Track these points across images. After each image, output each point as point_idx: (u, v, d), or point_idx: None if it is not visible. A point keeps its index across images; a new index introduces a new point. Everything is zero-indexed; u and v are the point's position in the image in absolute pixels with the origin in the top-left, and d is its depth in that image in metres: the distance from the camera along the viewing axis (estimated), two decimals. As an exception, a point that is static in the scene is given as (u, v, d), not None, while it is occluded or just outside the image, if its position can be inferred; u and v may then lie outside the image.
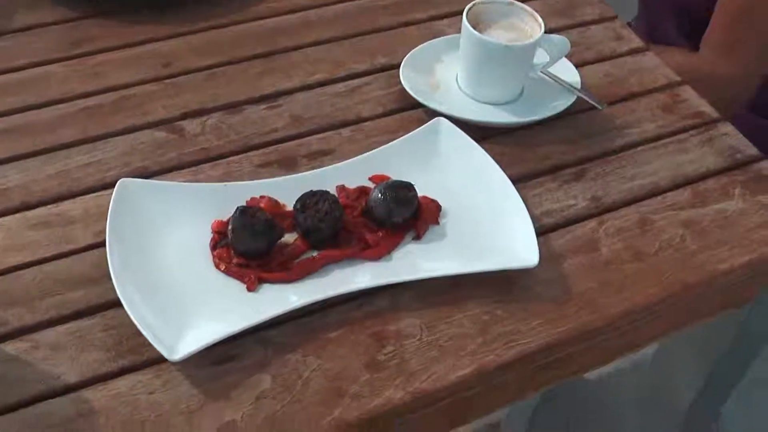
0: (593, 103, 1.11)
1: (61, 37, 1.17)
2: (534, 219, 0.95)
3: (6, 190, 0.99)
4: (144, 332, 0.82)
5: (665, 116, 1.14)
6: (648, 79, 1.20)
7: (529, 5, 1.12)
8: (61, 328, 0.86)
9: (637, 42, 1.27)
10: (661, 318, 0.95)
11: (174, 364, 0.82)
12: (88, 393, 0.81)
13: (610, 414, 1.79)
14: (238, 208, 0.90)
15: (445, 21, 1.24)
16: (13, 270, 0.91)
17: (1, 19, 1.19)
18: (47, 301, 0.88)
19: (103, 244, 0.89)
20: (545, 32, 1.08)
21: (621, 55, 1.24)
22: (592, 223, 0.99)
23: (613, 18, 1.31)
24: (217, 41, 1.19)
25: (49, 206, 0.97)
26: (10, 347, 0.84)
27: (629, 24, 1.67)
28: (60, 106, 1.09)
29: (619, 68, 1.22)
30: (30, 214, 0.96)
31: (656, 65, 1.22)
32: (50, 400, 0.80)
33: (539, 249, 0.90)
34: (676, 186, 1.04)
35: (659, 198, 1.03)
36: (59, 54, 1.15)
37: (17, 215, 0.96)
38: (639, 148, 1.09)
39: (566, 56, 1.14)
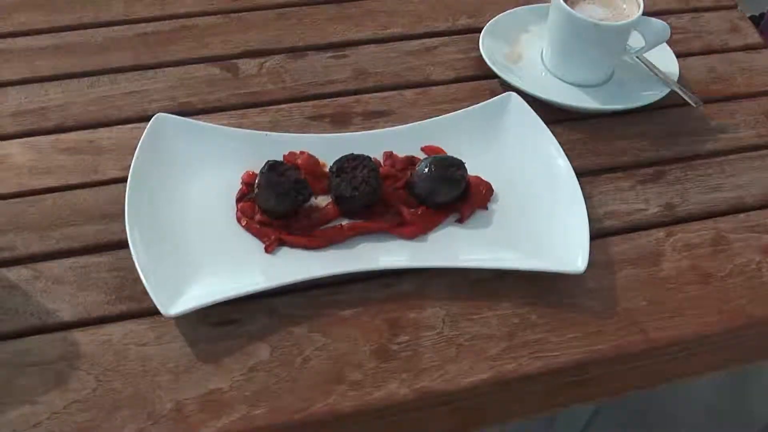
0: (687, 98, 1.00)
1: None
2: (595, 219, 0.86)
3: (44, 109, 0.94)
4: (143, 279, 0.76)
5: (768, 125, 1.02)
6: (758, 81, 1.08)
7: None
8: (66, 262, 0.81)
9: (754, 37, 1.15)
10: (721, 350, 0.85)
11: (169, 319, 0.76)
12: (77, 334, 0.76)
13: (676, 425, 1.68)
14: (267, 162, 0.83)
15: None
16: (33, 193, 0.87)
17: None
18: (60, 231, 0.83)
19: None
20: (651, 13, 0.97)
21: (732, 50, 1.12)
22: (659, 233, 0.89)
23: (733, 7, 1.19)
24: (290, -24, 1.12)
25: (83, 131, 0.93)
26: (13, 273, 0.80)
27: (756, 18, 1.54)
28: (116, 28, 1.04)
29: (727, 64, 1.10)
30: (63, 137, 0.92)
31: (770, 67, 1.10)
32: (38, 336, 0.76)
33: (593, 253, 0.81)
34: (764, 206, 0.93)
35: (742, 216, 0.92)
36: (126, -27, 1.10)
37: (50, 136, 0.92)
38: (730, 156, 0.98)
39: (668, 43, 1.04)
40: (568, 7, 0.97)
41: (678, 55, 1.06)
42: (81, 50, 1.01)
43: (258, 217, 0.83)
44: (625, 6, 1.00)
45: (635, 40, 1.01)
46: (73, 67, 0.99)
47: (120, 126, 0.93)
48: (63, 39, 1.02)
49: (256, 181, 0.83)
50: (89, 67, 0.99)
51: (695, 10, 1.17)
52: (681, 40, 1.11)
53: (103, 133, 0.92)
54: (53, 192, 0.87)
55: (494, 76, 1.01)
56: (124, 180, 0.85)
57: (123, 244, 0.80)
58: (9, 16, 1.04)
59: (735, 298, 0.83)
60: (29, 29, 1.03)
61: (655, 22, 1.00)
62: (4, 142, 0.91)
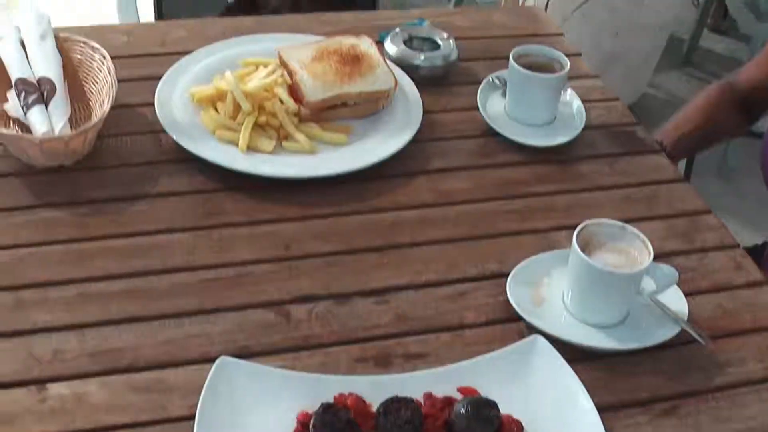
0: (697, 337, 1.10)
1: (194, 207, 1.25)
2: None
3: (117, 350, 1.05)
4: None
5: (774, 359, 1.12)
6: (762, 316, 1.18)
7: (652, 224, 1.13)
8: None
9: (756, 274, 1.25)
10: None
11: None
12: None
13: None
14: (322, 404, 0.93)
15: (563, 233, 1.26)
16: (108, 429, 0.96)
17: (146, 183, 1.28)
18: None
19: (194, 417, 0.94)
20: (662, 254, 1.09)
21: (737, 287, 1.23)
22: (678, 466, 0.97)
23: (735, 246, 1.30)
24: (336, 229, 1.24)
25: (153, 371, 1.03)
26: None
27: (759, 247, 1.65)
28: (181, 274, 1.15)
29: (733, 301, 1.20)
30: (136, 377, 1.02)
31: (773, 303, 1.21)
32: None
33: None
34: (773, 438, 1.02)
35: (752, 448, 1.00)
36: (190, 223, 1.22)
37: (123, 376, 1.02)
38: (740, 389, 1.07)
39: (677, 283, 1.14)
40: (585, 257, 1.09)
41: (687, 294, 1.16)
42: (150, 295, 1.12)
43: (313, 455, 0.92)
44: (636, 253, 1.12)
45: (648, 283, 1.12)
46: (143, 311, 1.10)
47: (185, 367, 1.03)
48: (133, 284, 1.14)
49: (311, 421, 0.93)
50: (158, 311, 1.10)
51: (701, 250, 1.28)
52: (689, 279, 1.21)
53: (170, 372, 1.03)
54: (126, 428, 0.97)
55: (521, 318, 1.12)
56: (190, 418, 0.95)
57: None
58: (88, 261, 1.16)
59: None
60: (104, 275, 1.14)
61: (665, 268, 1.12)
62: (82, 381, 1.01)
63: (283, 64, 1.40)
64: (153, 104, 1.37)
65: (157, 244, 1.19)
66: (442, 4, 3.43)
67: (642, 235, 1.12)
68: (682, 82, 3.44)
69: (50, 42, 1.37)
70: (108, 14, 1.98)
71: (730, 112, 1.63)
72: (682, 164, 1.73)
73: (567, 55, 1.45)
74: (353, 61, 1.40)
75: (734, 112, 1.63)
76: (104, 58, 1.36)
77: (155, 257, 1.17)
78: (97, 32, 1.53)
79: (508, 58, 1.42)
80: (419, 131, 1.39)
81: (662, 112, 3.18)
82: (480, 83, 1.49)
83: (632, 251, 1.12)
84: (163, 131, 1.33)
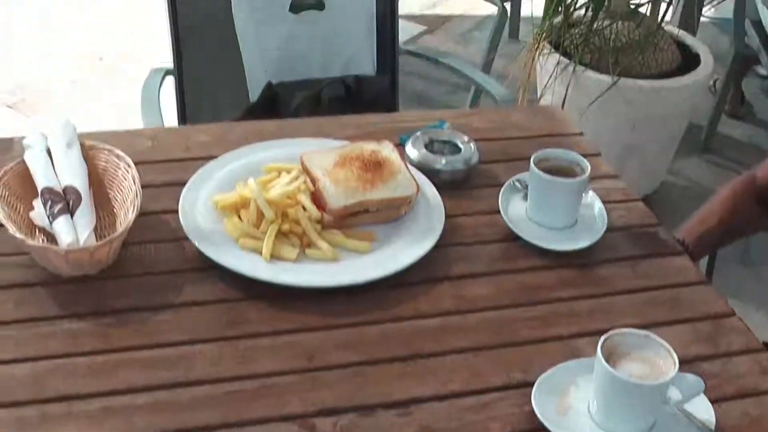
0: (726, 451, 1.09)
1: (218, 316, 1.26)
2: None
3: (142, 464, 1.05)
4: None
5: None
6: (791, 422, 1.17)
7: (675, 329, 1.15)
8: None
9: (784, 379, 1.24)
10: None
11: None
12: None
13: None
14: None
15: (586, 339, 1.25)
16: None
17: (169, 292, 1.28)
18: None
19: None
20: (686, 359, 1.09)
21: (764, 393, 1.22)
22: None
23: (760, 350, 1.29)
24: (359, 338, 1.24)
25: (177, 489, 1.03)
26: None
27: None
28: (205, 387, 1.15)
29: (759, 407, 1.19)
30: (159, 495, 1.02)
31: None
32: None
33: None
34: None
35: None
36: (213, 334, 1.23)
37: (148, 494, 1.02)
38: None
39: (703, 391, 1.14)
40: (610, 368, 1.08)
41: (713, 401, 1.15)
42: (173, 408, 1.12)
43: None
44: (661, 362, 1.11)
45: (674, 393, 1.11)
46: (167, 424, 1.10)
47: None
48: (157, 397, 1.13)
49: None
50: (181, 424, 1.10)
51: (726, 354, 1.27)
52: (715, 385, 1.19)
53: (195, 489, 1.03)
54: None
55: (547, 429, 1.11)
56: None
57: None
58: (112, 373, 1.16)
59: None
60: (128, 387, 1.14)
61: (691, 378, 1.12)
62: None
63: (306, 171, 1.42)
64: (177, 211, 1.38)
65: (181, 355, 1.19)
66: (461, 101, 3.46)
67: (666, 344, 1.12)
68: (701, 168, 3.44)
69: (76, 150, 1.40)
70: (132, 121, 2.01)
71: (753, 206, 1.63)
72: (703, 261, 1.73)
73: (586, 156, 1.46)
74: (375, 167, 1.42)
75: (757, 206, 1.63)
76: (129, 166, 1.38)
77: (179, 368, 1.17)
78: (122, 137, 1.56)
79: (527, 159, 1.44)
80: (441, 236, 1.40)
81: (682, 199, 3.19)
82: (500, 185, 1.51)
83: (657, 360, 1.12)
84: (187, 239, 1.34)
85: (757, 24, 3.27)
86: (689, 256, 1.46)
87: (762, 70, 3.81)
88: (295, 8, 2.15)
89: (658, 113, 2.96)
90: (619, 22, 2.96)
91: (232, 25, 2.12)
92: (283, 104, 2.05)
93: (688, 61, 3.08)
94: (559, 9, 2.95)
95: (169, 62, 2.14)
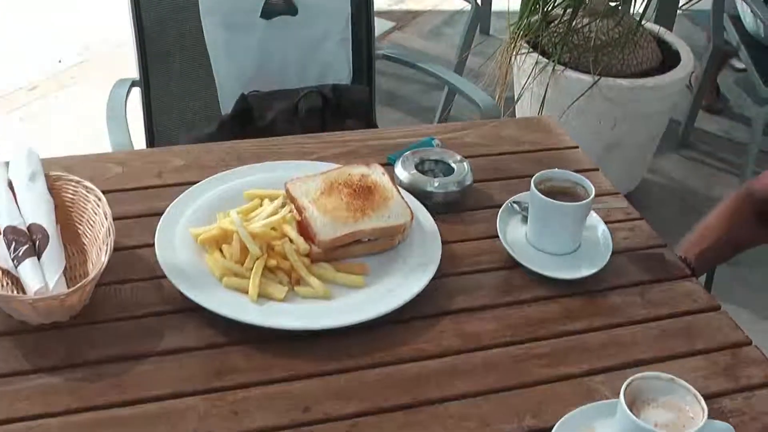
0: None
1: (204, 365, 1.15)
2: None
3: None
4: None
5: None
6: (818, 463, 1.10)
7: (692, 362, 1.13)
8: None
9: (808, 416, 1.17)
10: None
11: None
12: None
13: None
14: None
15: (601, 377, 1.17)
16: None
17: (149, 339, 1.18)
18: None
19: None
20: (706, 396, 1.02)
21: (789, 427, 1.15)
22: None
23: (782, 382, 1.22)
24: (358, 384, 1.15)
25: None
26: None
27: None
28: (193, 446, 1.06)
29: (786, 446, 1.12)
30: None
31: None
32: None
33: None
34: None
35: None
36: (200, 385, 1.12)
37: None
38: None
39: (731, 433, 1.06)
40: (633, 416, 1.00)
41: (740, 443, 1.08)
42: (160, 471, 1.03)
43: None
44: (688, 408, 1.03)
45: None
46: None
47: None
48: (141, 459, 1.04)
49: None
50: (168, 493, 1.00)
51: (747, 388, 1.20)
52: (739, 424, 1.12)
53: None
54: None
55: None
56: None
57: None
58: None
59: None
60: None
61: (720, 425, 1.03)
62: None
63: (291, 199, 1.32)
64: (153, 245, 1.28)
65: (164, 411, 1.09)
66: (435, 99, 3.36)
67: (693, 389, 1.04)
68: (680, 164, 3.39)
69: (41, 183, 1.30)
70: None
71: (752, 220, 1.58)
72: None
73: (584, 171, 1.39)
74: (365, 194, 1.32)
75: (754, 220, 1.57)
76: (99, 200, 1.27)
77: (163, 427, 1.07)
78: (90, 163, 1.47)
79: (523, 177, 1.36)
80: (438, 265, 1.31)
81: (662, 196, 3.12)
82: (496, 206, 1.42)
83: (684, 406, 1.04)
84: (165, 277, 1.24)
85: (736, 19, 3.22)
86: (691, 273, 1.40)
87: (738, 63, 3.76)
88: (266, 14, 2.04)
89: (639, 112, 2.89)
90: (599, 20, 2.88)
91: (201, 33, 2.01)
92: (258, 116, 1.95)
93: (667, 57, 3.02)
94: (536, 7, 2.86)
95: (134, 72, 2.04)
